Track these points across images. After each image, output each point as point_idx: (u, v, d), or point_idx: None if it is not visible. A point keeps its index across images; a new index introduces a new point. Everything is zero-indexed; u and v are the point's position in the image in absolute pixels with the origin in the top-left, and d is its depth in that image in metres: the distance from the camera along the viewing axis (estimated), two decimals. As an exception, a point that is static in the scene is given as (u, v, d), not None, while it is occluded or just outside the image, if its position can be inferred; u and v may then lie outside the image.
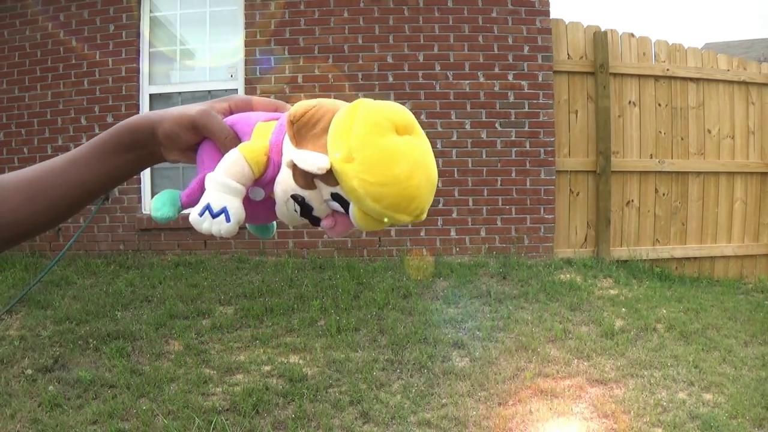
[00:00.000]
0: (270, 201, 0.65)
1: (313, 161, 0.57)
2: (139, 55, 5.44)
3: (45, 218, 0.67)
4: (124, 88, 5.39)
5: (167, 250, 5.28)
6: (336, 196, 0.60)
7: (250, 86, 5.34)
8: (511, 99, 5.32)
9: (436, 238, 5.28)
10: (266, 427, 2.83)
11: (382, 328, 3.81)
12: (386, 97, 5.27)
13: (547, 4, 5.35)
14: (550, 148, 5.33)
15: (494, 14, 5.33)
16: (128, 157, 0.68)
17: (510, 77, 5.33)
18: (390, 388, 3.18)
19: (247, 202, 0.63)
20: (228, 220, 0.60)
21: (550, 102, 5.34)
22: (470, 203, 5.29)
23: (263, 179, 0.63)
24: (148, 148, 0.68)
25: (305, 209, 0.62)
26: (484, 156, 5.32)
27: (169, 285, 4.46)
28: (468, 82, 5.32)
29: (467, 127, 5.31)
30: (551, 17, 5.37)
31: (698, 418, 2.92)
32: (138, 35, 5.44)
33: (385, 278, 4.57)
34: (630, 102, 5.50)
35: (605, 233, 5.37)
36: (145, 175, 5.46)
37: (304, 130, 0.60)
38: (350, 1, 5.32)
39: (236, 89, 5.43)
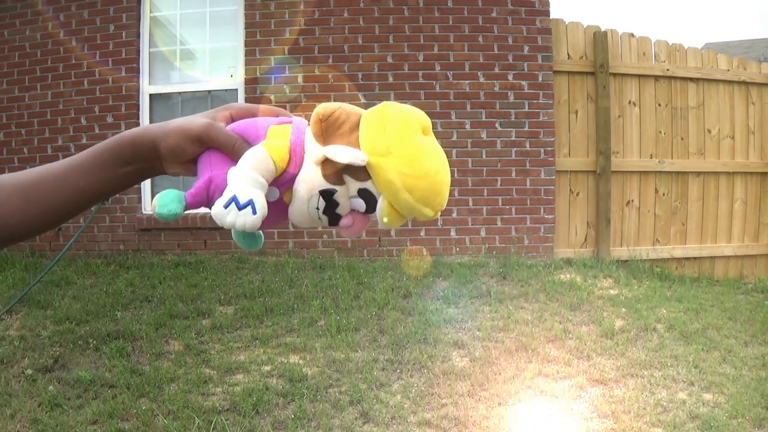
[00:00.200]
0: (280, 203, 0.65)
1: (353, 153, 0.59)
2: (139, 55, 5.44)
3: (43, 221, 0.67)
4: (124, 88, 5.39)
5: (167, 250, 5.28)
6: (363, 192, 0.62)
7: (250, 86, 5.34)
8: (511, 99, 5.32)
9: (436, 238, 5.28)
10: (266, 427, 2.83)
11: (382, 328, 3.81)
12: (386, 98, 5.30)
13: (547, 4, 5.35)
14: (550, 148, 5.33)
15: (494, 14, 5.33)
16: (128, 169, 0.67)
17: (510, 77, 5.33)
18: (390, 388, 3.18)
19: None
20: (254, 212, 0.60)
21: (550, 102, 5.34)
22: (470, 203, 5.29)
23: (281, 179, 0.63)
24: (149, 162, 0.67)
25: (331, 205, 0.63)
26: (484, 156, 5.32)
27: (169, 285, 4.46)
28: (468, 82, 5.32)
29: (467, 127, 5.31)
30: (551, 17, 5.37)
31: (698, 418, 2.92)
32: (138, 35, 5.44)
33: (385, 278, 4.57)
34: (630, 102, 5.50)
35: (605, 233, 5.37)
36: (145, 175, 5.46)
37: (331, 129, 0.62)
38: (350, 1, 5.32)
39: (236, 89, 5.44)
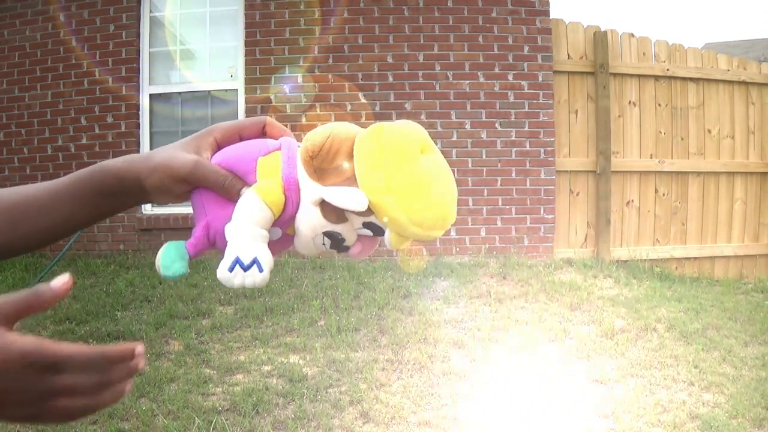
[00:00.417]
0: (285, 237, 0.63)
1: (351, 199, 0.56)
2: (139, 55, 5.44)
3: (25, 244, 0.65)
4: (124, 88, 5.39)
5: (167, 250, 5.28)
6: (369, 225, 0.59)
7: (250, 86, 5.34)
8: (511, 99, 5.32)
9: (436, 238, 5.27)
10: (266, 427, 2.83)
11: (382, 328, 3.81)
12: (386, 97, 5.30)
13: (547, 4, 5.35)
14: (550, 148, 5.33)
15: (494, 14, 5.33)
16: (113, 200, 0.64)
17: (510, 77, 5.33)
18: (390, 388, 3.18)
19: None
20: (261, 270, 0.58)
21: (550, 102, 5.34)
22: (470, 203, 5.29)
23: (280, 219, 0.61)
24: (134, 196, 0.64)
25: (337, 241, 0.61)
26: (484, 156, 5.32)
27: (169, 285, 4.46)
28: (468, 82, 5.32)
29: (467, 127, 5.31)
30: (551, 17, 5.37)
31: (698, 418, 2.92)
32: (138, 35, 5.44)
33: (385, 278, 4.57)
34: (630, 102, 5.50)
35: (605, 233, 5.37)
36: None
37: (324, 164, 0.58)
38: (350, 1, 5.32)
39: (236, 89, 5.44)
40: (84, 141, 5.43)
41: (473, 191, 5.30)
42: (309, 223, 0.60)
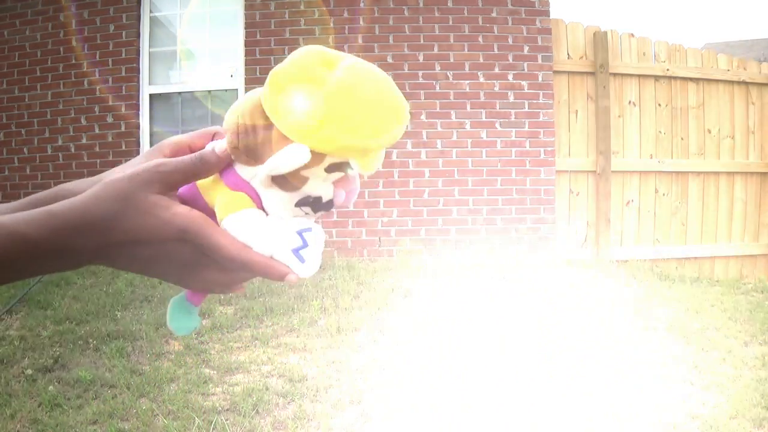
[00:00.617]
0: None
1: (291, 157, 0.51)
2: (139, 55, 5.44)
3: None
4: (124, 88, 5.39)
5: (167, 250, 5.28)
6: (331, 167, 0.54)
7: (250, 86, 5.34)
8: (511, 99, 5.32)
9: (436, 238, 5.28)
10: (266, 427, 2.83)
11: (382, 328, 3.81)
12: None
13: (547, 4, 5.35)
14: (550, 148, 5.33)
15: (494, 14, 5.33)
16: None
17: (510, 77, 5.33)
18: (390, 389, 3.18)
19: None
20: (309, 229, 0.54)
21: (550, 102, 5.34)
22: (470, 203, 5.29)
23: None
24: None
25: (316, 204, 0.56)
26: (484, 156, 5.32)
27: (169, 285, 4.46)
28: (468, 82, 5.32)
29: (467, 127, 5.31)
30: (551, 17, 5.37)
31: (698, 418, 2.92)
32: (138, 35, 5.44)
33: (385, 278, 4.57)
34: (630, 102, 5.50)
35: (605, 233, 5.37)
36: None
37: (250, 145, 0.53)
38: (350, 1, 5.32)
39: (236, 89, 5.44)
40: (84, 141, 5.42)
41: (473, 191, 5.30)
42: (278, 205, 0.55)
